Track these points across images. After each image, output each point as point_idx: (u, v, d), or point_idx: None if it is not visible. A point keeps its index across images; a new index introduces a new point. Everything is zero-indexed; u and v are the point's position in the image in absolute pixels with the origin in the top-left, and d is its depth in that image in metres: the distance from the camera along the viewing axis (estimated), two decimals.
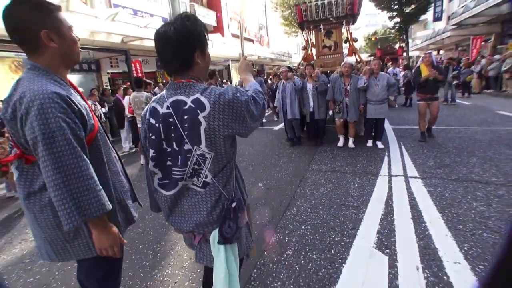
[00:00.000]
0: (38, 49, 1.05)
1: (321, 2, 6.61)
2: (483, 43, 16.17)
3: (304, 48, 7.87)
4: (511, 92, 10.44)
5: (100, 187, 1.02)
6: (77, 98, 1.08)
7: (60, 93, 0.99)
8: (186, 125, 1.02)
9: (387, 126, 6.65)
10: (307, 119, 5.70)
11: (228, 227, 1.06)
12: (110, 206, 1.04)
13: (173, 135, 1.06)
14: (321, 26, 6.92)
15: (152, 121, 1.10)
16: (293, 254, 2.26)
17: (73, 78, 9.56)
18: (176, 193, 1.11)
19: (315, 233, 2.53)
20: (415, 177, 3.54)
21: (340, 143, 5.39)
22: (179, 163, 1.07)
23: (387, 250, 2.18)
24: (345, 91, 5.04)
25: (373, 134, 5.23)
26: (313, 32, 7.33)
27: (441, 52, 26.44)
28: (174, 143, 1.07)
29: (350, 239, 2.38)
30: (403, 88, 10.10)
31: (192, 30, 1.04)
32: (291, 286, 1.91)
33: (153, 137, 1.10)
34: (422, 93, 5.09)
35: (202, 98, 1.02)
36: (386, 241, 2.30)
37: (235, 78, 18.71)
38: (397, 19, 23.13)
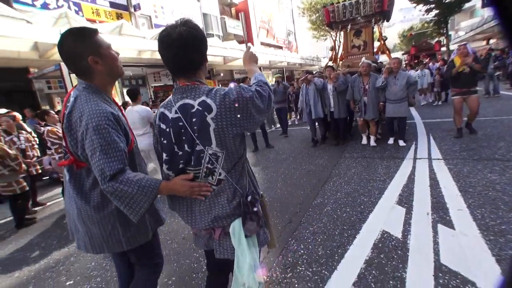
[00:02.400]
0: (89, 73, 1.19)
1: (349, 2, 6.61)
2: None
3: (332, 49, 7.91)
4: None
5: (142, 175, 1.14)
6: (121, 116, 1.22)
7: (113, 113, 1.13)
8: (195, 127, 1.06)
9: (418, 121, 7.02)
10: (328, 119, 5.95)
11: (250, 220, 1.11)
12: (158, 180, 1.14)
13: (184, 138, 1.10)
14: (349, 26, 6.93)
15: (163, 126, 1.14)
16: (332, 209, 3.01)
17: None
18: None
19: (348, 196, 3.25)
20: (438, 159, 4.04)
21: (364, 140, 5.54)
22: (192, 163, 1.11)
23: (405, 205, 2.83)
24: (363, 90, 5.16)
25: (394, 131, 5.33)
26: (342, 33, 7.29)
27: (491, 41, 24.04)
28: (185, 145, 1.10)
29: (376, 199, 3.06)
30: (432, 83, 9.73)
31: (202, 31, 1.12)
32: (331, 225, 2.67)
33: (165, 142, 1.14)
34: (457, 87, 4.83)
35: (208, 100, 1.05)
36: (405, 199, 2.95)
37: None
38: (436, 11, 21.22)
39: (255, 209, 1.13)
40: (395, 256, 2.10)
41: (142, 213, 1.10)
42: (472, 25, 24.10)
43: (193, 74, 1.13)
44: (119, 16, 11.85)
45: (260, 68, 18.43)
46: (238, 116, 1.06)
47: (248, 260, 1.09)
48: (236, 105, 1.05)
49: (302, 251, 2.36)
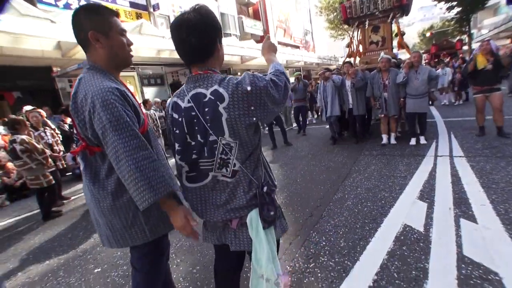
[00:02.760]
0: (88, 48, 1.16)
1: None
2: None
3: (349, 46, 7.72)
4: None
5: (163, 168, 1.10)
6: (129, 94, 1.17)
7: (118, 88, 1.09)
8: (208, 117, 1.04)
9: (439, 119, 6.89)
10: (346, 115, 5.87)
11: (267, 211, 1.09)
12: (177, 185, 1.14)
13: (196, 128, 1.08)
14: (367, 22, 6.78)
15: (175, 115, 1.13)
16: (352, 203, 3.07)
17: (150, 91, 11.49)
18: (206, 185, 1.14)
19: (368, 192, 3.29)
20: (460, 156, 3.99)
21: (384, 140, 5.37)
22: (205, 154, 1.09)
23: (427, 200, 2.85)
24: (383, 86, 5.07)
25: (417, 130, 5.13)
26: (359, 29, 7.13)
27: None
28: (198, 136, 1.08)
29: (397, 195, 3.09)
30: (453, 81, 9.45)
31: (214, 16, 1.09)
32: (352, 219, 2.73)
33: (177, 131, 1.13)
34: (478, 85, 4.69)
35: (221, 89, 1.03)
36: (426, 195, 2.97)
37: None
38: (458, 9, 21.03)
39: (272, 199, 1.12)
40: (417, 248, 2.14)
41: (146, 206, 1.04)
42: (496, 23, 23.22)
43: (206, 63, 1.11)
44: (138, 16, 12.23)
45: None
46: (251, 105, 1.03)
47: (266, 251, 1.07)
48: (249, 94, 1.02)
49: (324, 243, 2.44)
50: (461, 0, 20.12)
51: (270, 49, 1.35)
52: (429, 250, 2.09)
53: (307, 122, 8.77)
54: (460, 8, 20.68)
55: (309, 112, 10.63)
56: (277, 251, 1.22)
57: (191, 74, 1.12)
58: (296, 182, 4.07)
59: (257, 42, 17.36)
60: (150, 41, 9.40)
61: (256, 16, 21.94)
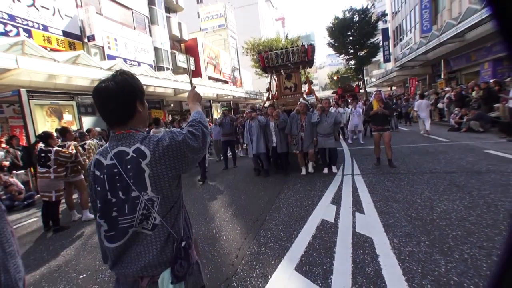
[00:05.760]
0: None
1: (280, 51, 7.68)
2: (416, 82, 20.15)
3: (268, 90, 8.88)
4: (436, 120, 13.47)
5: None
6: None
7: None
8: (130, 173, 1.06)
9: (346, 149, 8.82)
10: (270, 153, 6.53)
11: (180, 266, 1.09)
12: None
13: (118, 184, 1.09)
14: (282, 71, 7.82)
15: (97, 172, 1.13)
16: (286, 210, 4.08)
17: (89, 120, 10.98)
18: (124, 243, 1.10)
19: (297, 201, 4.38)
20: (358, 174, 5.56)
21: (303, 172, 6.22)
22: (126, 211, 1.08)
23: (336, 203, 4.07)
24: (301, 126, 5.99)
25: (328, 161, 6.13)
26: (275, 76, 8.20)
27: (393, 88, 30.97)
28: (120, 192, 1.09)
29: (317, 201, 4.25)
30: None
31: (132, 82, 1.14)
32: (287, 219, 3.71)
33: (99, 188, 1.12)
34: (375, 125, 6.12)
35: (142, 147, 1.08)
36: (336, 200, 4.20)
37: (216, 115, 20.07)
38: (353, 61, 27.07)
39: (187, 255, 1.13)
40: (330, 232, 3.21)
41: None
42: (380, 74, 30.33)
43: (129, 123, 1.14)
44: (71, 45, 11.83)
45: (210, 101, 19.54)
46: (172, 159, 1.09)
47: None
48: (169, 149, 1.09)
49: (269, 236, 3.31)
50: (355, 55, 25.89)
51: (194, 98, 1.45)
52: (337, 232, 3.19)
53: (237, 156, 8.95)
54: (355, 61, 26.41)
55: (239, 145, 10.57)
56: None
57: (114, 134, 1.14)
58: (241, 199, 4.92)
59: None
60: (86, 71, 9.36)
61: (188, 51, 23.04)
